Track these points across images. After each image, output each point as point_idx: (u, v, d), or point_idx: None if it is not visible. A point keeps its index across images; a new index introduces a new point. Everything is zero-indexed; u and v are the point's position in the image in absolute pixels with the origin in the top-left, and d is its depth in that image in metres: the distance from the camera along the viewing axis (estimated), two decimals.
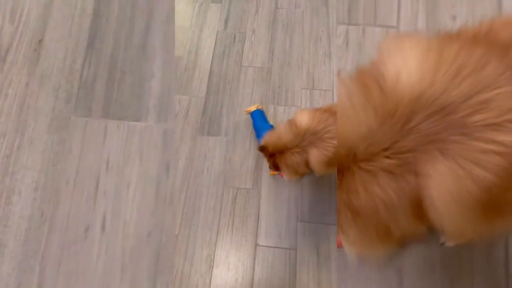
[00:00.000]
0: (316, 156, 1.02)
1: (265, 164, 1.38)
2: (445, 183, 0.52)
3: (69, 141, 1.22)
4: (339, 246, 1.27)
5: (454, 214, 0.54)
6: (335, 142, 1.00)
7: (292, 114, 1.46)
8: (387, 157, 0.55)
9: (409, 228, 0.58)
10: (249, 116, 1.45)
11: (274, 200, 1.33)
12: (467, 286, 1.13)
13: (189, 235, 1.29)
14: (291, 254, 1.26)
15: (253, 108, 1.42)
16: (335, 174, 1.33)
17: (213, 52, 1.57)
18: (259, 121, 1.39)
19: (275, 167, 1.10)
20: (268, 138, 1.10)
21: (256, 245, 1.28)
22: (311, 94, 1.49)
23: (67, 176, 1.21)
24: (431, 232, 0.60)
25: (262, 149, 1.10)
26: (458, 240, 1.08)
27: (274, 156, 1.08)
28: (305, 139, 1.03)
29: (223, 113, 1.47)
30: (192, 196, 1.34)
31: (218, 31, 1.61)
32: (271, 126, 1.37)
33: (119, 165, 1.21)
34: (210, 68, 1.54)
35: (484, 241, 1.13)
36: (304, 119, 1.05)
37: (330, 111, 1.07)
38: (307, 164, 1.05)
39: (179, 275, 1.25)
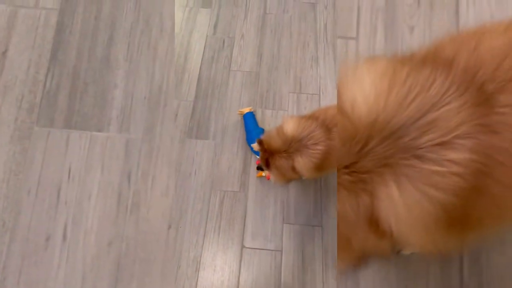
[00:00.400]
0: (301, 162, 1.05)
1: (253, 167, 1.41)
2: (398, 208, 0.54)
3: (31, 151, 1.24)
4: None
5: (413, 233, 0.56)
6: (319, 147, 1.03)
7: (280, 117, 1.49)
8: (347, 174, 0.57)
9: (368, 243, 0.60)
10: (237, 120, 1.47)
11: (260, 203, 1.36)
12: None
13: (176, 237, 1.31)
14: (276, 255, 1.28)
15: (246, 110, 1.44)
16: (321, 177, 1.37)
17: (202, 56, 1.59)
18: (251, 123, 1.41)
19: (266, 164, 1.12)
20: (264, 137, 1.13)
21: (243, 247, 1.30)
22: (298, 98, 1.52)
23: (29, 186, 1.22)
24: (395, 248, 0.62)
25: (260, 142, 1.12)
26: (417, 250, 1.10)
27: (268, 154, 1.11)
28: (291, 146, 1.05)
29: (212, 117, 1.49)
30: (179, 199, 1.36)
31: (207, 35, 1.62)
32: (262, 130, 1.39)
33: (80, 175, 1.23)
34: (199, 72, 1.56)
35: (442, 253, 1.16)
36: (290, 127, 1.08)
37: (313, 117, 1.09)
38: (293, 169, 1.08)
39: (165, 277, 1.27)
